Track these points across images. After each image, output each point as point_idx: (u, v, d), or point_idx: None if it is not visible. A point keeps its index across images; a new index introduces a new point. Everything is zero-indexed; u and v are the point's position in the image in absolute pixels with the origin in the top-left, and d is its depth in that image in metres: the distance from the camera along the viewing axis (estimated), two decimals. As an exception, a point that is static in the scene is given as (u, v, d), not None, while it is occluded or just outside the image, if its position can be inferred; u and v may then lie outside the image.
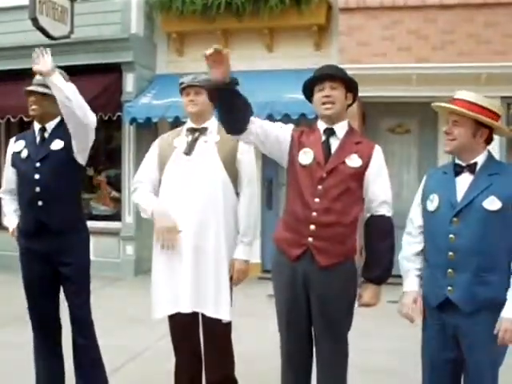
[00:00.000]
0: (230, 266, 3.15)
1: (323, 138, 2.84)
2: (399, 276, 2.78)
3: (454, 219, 2.53)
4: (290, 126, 2.93)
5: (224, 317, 3.09)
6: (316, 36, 8.03)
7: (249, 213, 3.21)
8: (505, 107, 7.02)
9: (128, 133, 8.42)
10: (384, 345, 5.01)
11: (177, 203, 3.12)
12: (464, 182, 2.58)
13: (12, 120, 8.25)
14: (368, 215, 2.83)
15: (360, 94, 3.04)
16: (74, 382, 3.44)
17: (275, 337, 2.99)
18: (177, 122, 7.11)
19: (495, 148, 6.20)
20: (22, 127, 8.34)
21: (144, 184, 3.25)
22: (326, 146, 2.82)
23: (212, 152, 3.17)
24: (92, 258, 3.48)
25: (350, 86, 2.85)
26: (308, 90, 2.89)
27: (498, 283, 2.46)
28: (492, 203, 2.47)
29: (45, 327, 3.42)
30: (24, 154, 3.34)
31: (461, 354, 2.57)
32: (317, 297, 2.77)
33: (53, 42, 7.27)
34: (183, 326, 3.22)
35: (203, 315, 3.14)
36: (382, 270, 2.76)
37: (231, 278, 3.17)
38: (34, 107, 3.30)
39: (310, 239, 2.74)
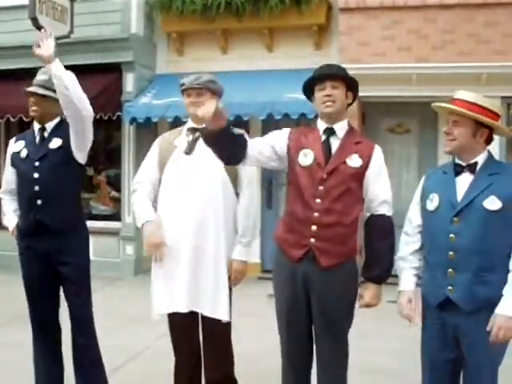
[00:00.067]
0: (228, 266, 3.15)
1: (323, 137, 2.83)
2: (399, 276, 2.78)
3: (455, 219, 2.53)
4: (286, 131, 2.91)
5: (222, 317, 3.09)
6: (316, 36, 8.02)
7: (248, 213, 3.21)
8: (505, 107, 7.02)
9: (128, 133, 8.42)
10: (384, 345, 5.01)
11: (177, 203, 3.12)
12: (464, 181, 2.58)
13: (12, 120, 8.24)
14: (368, 215, 2.83)
15: (360, 94, 3.03)
16: (73, 382, 3.45)
17: (275, 337, 2.99)
18: (177, 122, 7.11)
19: (495, 148, 6.20)
20: (21, 127, 8.34)
21: (144, 185, 3.25)
22: (326, 145, 2.81)
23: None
24: (92, 257, 3.49)
25: (351, 85, 2.85)
26: (308, 90, 2.89)
27: (498, 283, 2.45)
28: (492, 203, 2.47)
29: (45, 327, 3.42)
30: (23, 153, 3.34)
31: (460, 354, 2.57)
32: (317, 297, 2.77)
33: (53, 41, 7.27)
34: (182, 326, 3.21)
35: (203, 315, 3.14)
36: (382, 270, 2.76)
37: (229, 278, 3.17)
38: (34, 108, 3.32)
39: (312, 240, 2.74)
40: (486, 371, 2.53)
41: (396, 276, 2.81)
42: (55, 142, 3.29)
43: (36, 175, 3.25)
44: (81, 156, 3.34)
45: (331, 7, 7.98)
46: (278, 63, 8.08)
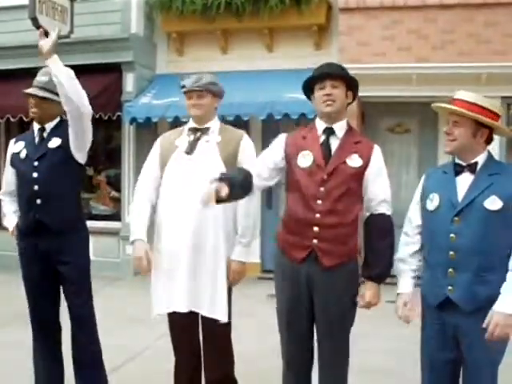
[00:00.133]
0: (227, 267, 3.15)
1: (322, 137, 2.83)
2: (398, 276, 2.78)
3: (455, 219, 2.53)
4: (282, 139, 2.91)
5: (220, 317, 3.08)
6: (316, 36, 8.03)
7: (248, 213, 3.20)
8: (505, 107, 7.02)
9: (128, 132, 8.42)
10: (381, 345, 5.01)
11: (177, 202, 3.12)
12: (464, 181, 2.58)
13: (12, 120, 8.25)
14: (367, 214, 2.83)
15: (360, 94, 3.03)
16: (73, 382, 3.44)
17: (275, 337, 2.99)
18: (177, 122, 7.11)
19: (495, 148, 6.20)
20: (21, 127, 8.35)
21: (146, 186, 3.23)
22: (326, 146, 2.81)
23: (213, 152, 3.16)
24: (91, 257, 3.48)
25: (351, 84, 2.84)
26: (308, 89, 2.88)
27: (498, 283, 2.45)
28: (493, 203, 2.47)
29: (45, 327, 3.42)
30: (23, 153, 3.34)
31: (460, 354, 2.57)
32: (320, 297, 2.77)
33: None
34: (182, 326, 3.21)
35: (202, 315, 3.14)
36: (382, 268, 2.76)
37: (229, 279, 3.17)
38: (33, 110, 3.32)
39: (315, 241, 2.74)
40: (485, 371, 2.53)
41: (395, 276, 2.81)
42: (54, 142, 3.29)
43: (35, 175, 3.26)
44: (80, 156, 3.34)
45: (331, 7, 7.98)
46: (278, 63, 8.09)
